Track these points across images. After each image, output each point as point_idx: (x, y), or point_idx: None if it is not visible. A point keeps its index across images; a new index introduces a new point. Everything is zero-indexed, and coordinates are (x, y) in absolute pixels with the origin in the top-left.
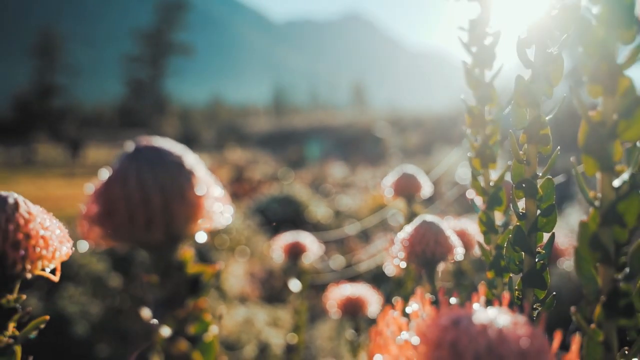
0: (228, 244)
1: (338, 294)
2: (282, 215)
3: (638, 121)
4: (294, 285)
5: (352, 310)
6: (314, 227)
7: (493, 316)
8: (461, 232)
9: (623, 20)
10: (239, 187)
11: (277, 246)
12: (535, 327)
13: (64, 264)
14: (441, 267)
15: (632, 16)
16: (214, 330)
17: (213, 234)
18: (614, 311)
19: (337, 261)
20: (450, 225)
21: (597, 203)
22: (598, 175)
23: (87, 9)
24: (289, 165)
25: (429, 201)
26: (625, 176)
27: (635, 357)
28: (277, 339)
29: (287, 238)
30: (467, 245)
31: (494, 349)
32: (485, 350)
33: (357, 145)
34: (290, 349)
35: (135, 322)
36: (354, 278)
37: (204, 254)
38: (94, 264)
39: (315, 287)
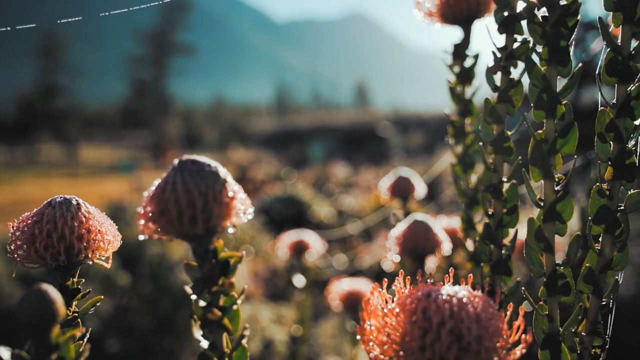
0: (233, 243)
1: (339, 288)
2: (285, 215)
3: (572, 139)
4: (298, 280)
5: (353, 303)
6: (317, 227)
7: (456, 291)
8: (451, 230)
9: (561, 58)
10: (242, 187)
11: (282, 244)
12: (492, 301)
13: None
14: (435, 262)
15: (568, 55)
16: (239, 302)
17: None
18: (554, 290)
19: (340, 260)
20: (441, 224)
21: (541, 203)
22: (542, 181)
23: (91, 10)
24: (292, 165)
25: (430, 199)
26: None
27: (572, 326)
28: (281, 336)
29: (291, 236)
30: (456, 241)
31: (455, 314)
32: (449, 315)
33: (360, 145)
34: (294, 341)
35: (144, 318)
36: (356, 274)
37: None
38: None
39: (318, 286)
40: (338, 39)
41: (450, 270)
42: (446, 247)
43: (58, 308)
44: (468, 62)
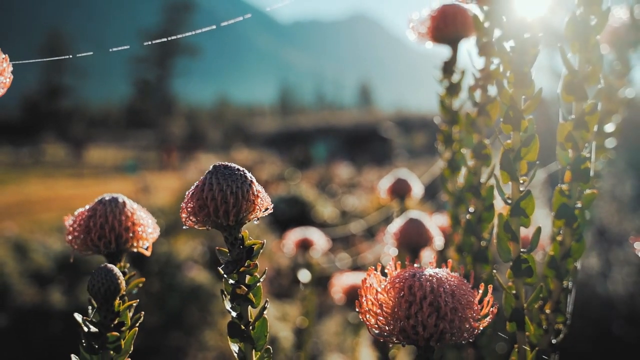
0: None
1: (342, 281)
2: (289, 215)
3: (534, 148)
4: (303, 275)
5: (355, 296)
6: (321, 227)
7: (437, 272)
8: (444, 227)
9: (524, 81)
10: None
11: (289, 240)
12: (465, 280)
13: (83, 262)
14: (432, 255)
15: (530, 79)
16: (261, 280)
17: None
18: (519, 272)
19: (343, 258)
20: (436, 221)
21: (509, 201)
22: (509, 183)
23: (95, 10)
24: (295, 166)
25: (430, 197)
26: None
27: (535, 302)
28: (285, 332)
29: (297, 233)
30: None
31: (435, 290)
32: (429, 290)
33: (364, 146)
34: (300, 332)
35: (152, 315)
36: (358, 269)
37: (215, 252)
38: None
39: (322, 284)
40: (342, 39)
41: (434, 257)
42: (438, 241)
43: (120, 282)
44: (455, 78)
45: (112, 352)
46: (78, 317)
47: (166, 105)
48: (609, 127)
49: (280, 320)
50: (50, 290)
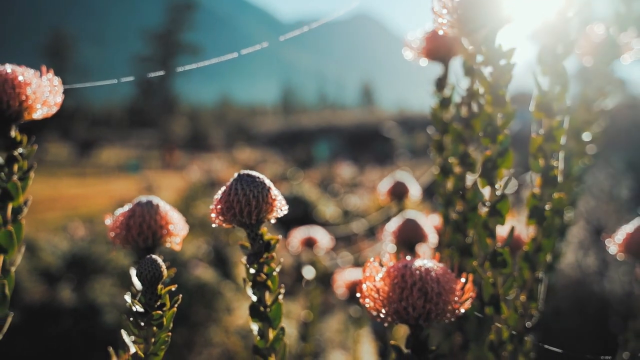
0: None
1: (344, 277)
2: (291, 215)
3: (508, 159)
4: (308, 271)
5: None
6: (323, 226)
7: (425, 263)
8: (438, 226)
9: (500, 102)
10: None
11: (294, 239)
12: (450, 270)
13: (90, 261)
14: (428, 250)
15: (504, 100)
16: (277, 270)
17: (228, 231)
18: (495, 264)
19: (345, 258)
20: (430, 220)
21: (487, 204)
22: (487, 188)
23: (97, 10)
24: (297, 165)
25: (431, 198)
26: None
27: (509, 290)
28: (289, 329)
29: (302, 232)
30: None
31: (423, 277)
32: (418, 278)
33: (366, 145)
34: (305, 325)
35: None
36: (360, 266)
37: (219, 251)
38: (121, 259)
39: (324, 283)
40: (344, 39)
41: (423, 252)
42: (431, 238)
43: (163, 270)
44: (447, 92)
45: (155, 328)
46: (127, 297)
47: (168, 105)
48: (586, 136)
49: (283, 317)
50: (59, 288)
